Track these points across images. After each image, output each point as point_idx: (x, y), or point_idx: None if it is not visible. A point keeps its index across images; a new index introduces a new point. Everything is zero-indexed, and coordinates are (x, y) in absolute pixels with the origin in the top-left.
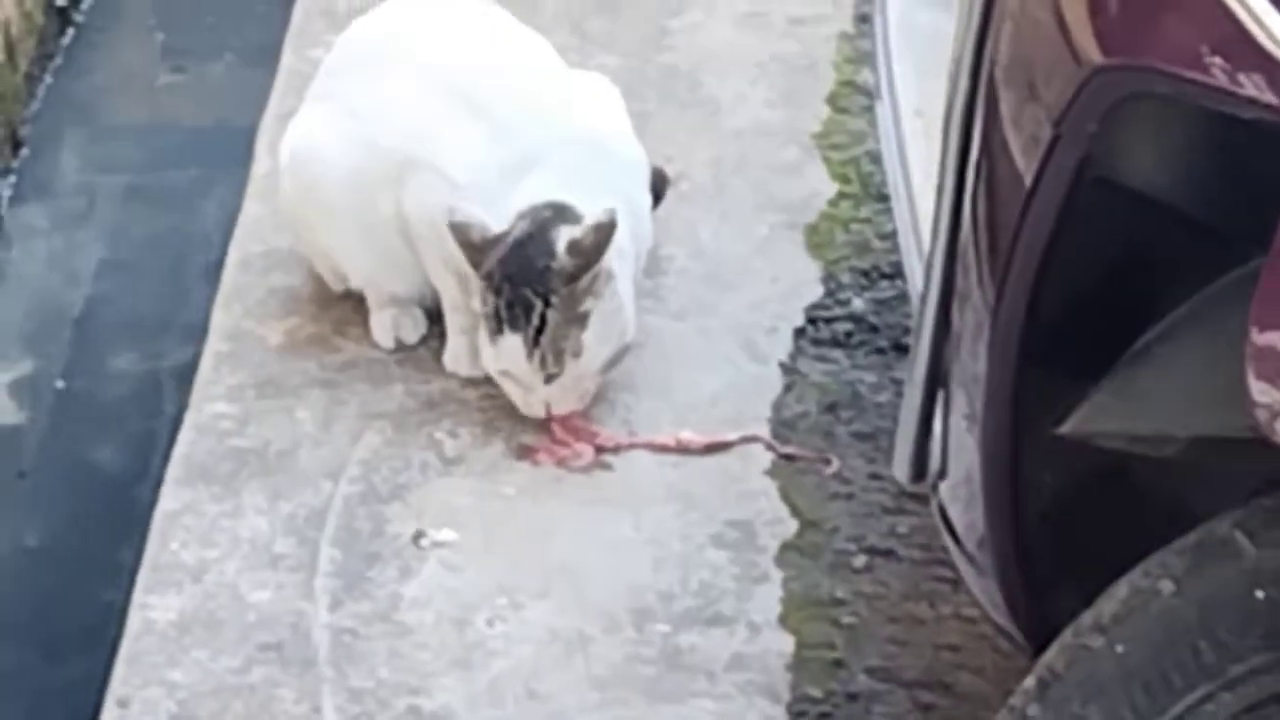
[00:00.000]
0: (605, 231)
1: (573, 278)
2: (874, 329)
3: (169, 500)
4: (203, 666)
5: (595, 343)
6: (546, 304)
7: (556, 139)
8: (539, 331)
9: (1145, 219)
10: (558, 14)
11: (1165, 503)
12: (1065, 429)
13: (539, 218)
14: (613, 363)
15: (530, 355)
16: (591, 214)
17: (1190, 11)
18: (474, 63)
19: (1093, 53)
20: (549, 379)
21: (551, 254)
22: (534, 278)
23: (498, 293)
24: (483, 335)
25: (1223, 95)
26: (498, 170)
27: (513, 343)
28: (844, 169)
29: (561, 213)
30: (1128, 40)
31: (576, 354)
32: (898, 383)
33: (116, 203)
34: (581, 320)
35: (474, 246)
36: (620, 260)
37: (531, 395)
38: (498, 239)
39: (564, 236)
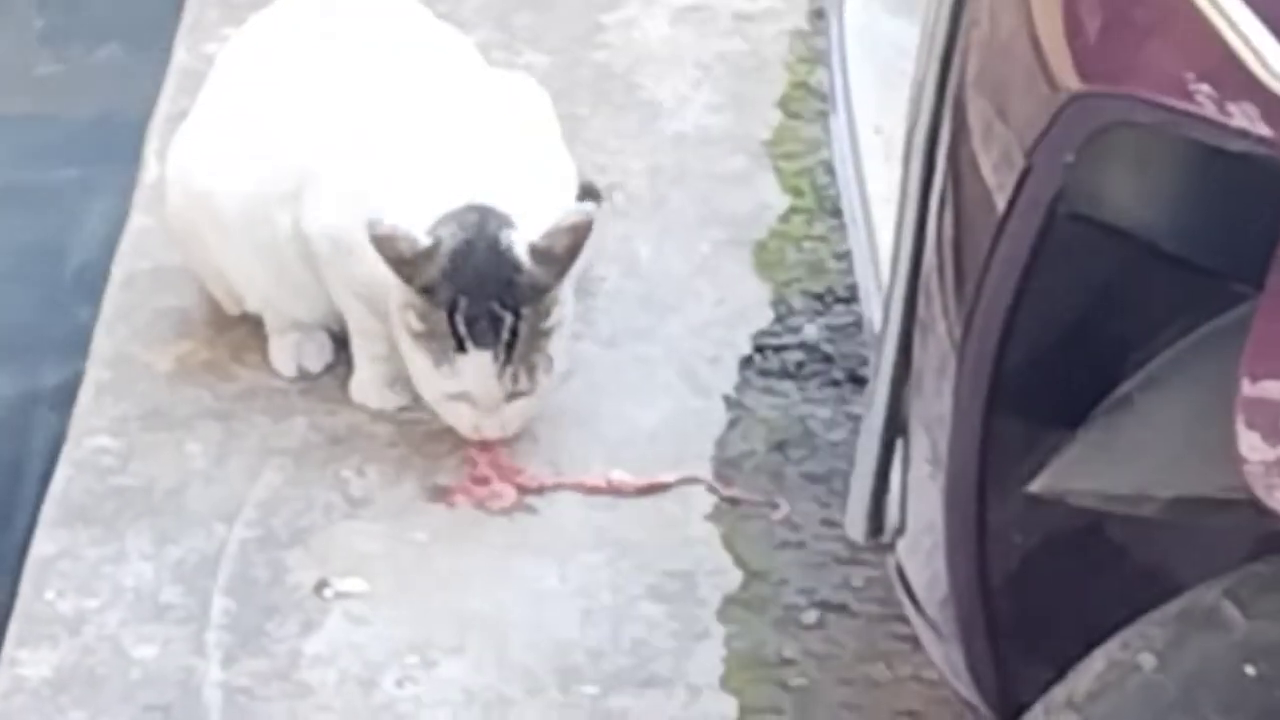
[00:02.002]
0: (580, 234)
1: (546, 287)
2: (828, 359)
3: (44, 544)
4: None
5: (558, 356)
6: (517, 316)
7: (476, 148)
8: (509, 346)
9: (1126, 257)
10: (481, 8)
11: (1145, 567)
12: (1036, 487)
13: (468, 222)
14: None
15: (501, 373)
16: (563, 215)
17: (1177, 36)
18: (383, 65)
19: (1070, 78)
20: (513, 397)
21: (515, 265)
22: (499, 290)
23: (451, 308)
24: (421, 359)
25: (1211, 126)
26: (410, 183)
27: (479, 360)
28: (796, 180)
29: (489, 215)
30: (1108, 65)
31: (548, 370)
32: (853, 418)
33: None
34: (549, 333)
35: (404, 260)
36: None
37: (489, 418)
38: (430, 250)
39: (519, 242)
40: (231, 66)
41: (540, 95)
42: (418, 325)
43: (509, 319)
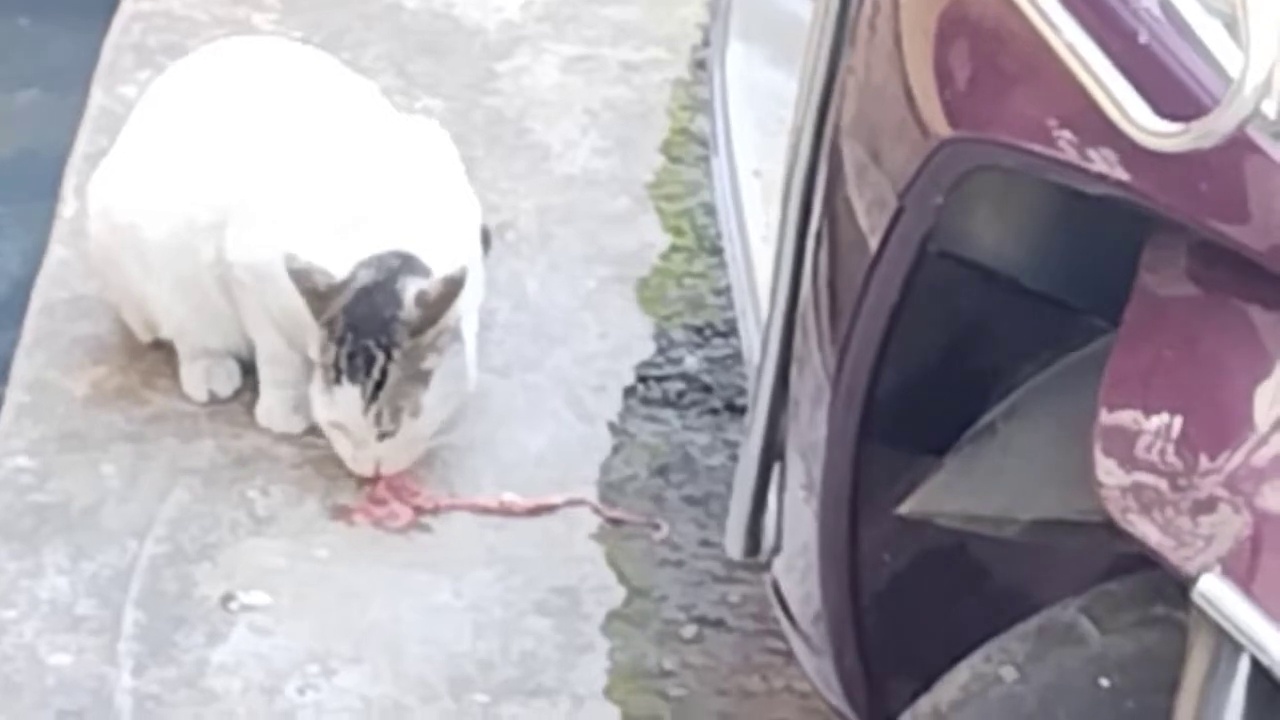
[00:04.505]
0: (453, 285)
1: (417, 330)
2: (707, 389)
3: None
4: None
5: (434, 404)
6: (389, 357)
7: (384, 187)
8: (379, 386)
9: (992, 293)
10: (380, 55)
11: (1007, 586)
12: (905, 509)
13: (386, 266)
14: (448, 425)
15: (366, 409)
16: (440, 267)
17: (1040, 85)
18: (299, 110)
19: (940, 125)
20: (382, 436)
21: (398, 304)
22: (378, 328)
23: (340, 342)
24: (316, 384)
25: (1072, 171)
26: (324, 218)
27: (350, 394)
28: (678, 221)
29: (409, 263)
30: (976, 113)
31: (414, 414)
32: (731, 445)
33: None
34: (423, 378)
35: (317, 294)
36: (462, 318)
37: (362, 451)
38: (341, 286)
39: (412, 288)
40: (153, 108)
41: (443, 138)
42: (316, 353)
43: (381, 358)
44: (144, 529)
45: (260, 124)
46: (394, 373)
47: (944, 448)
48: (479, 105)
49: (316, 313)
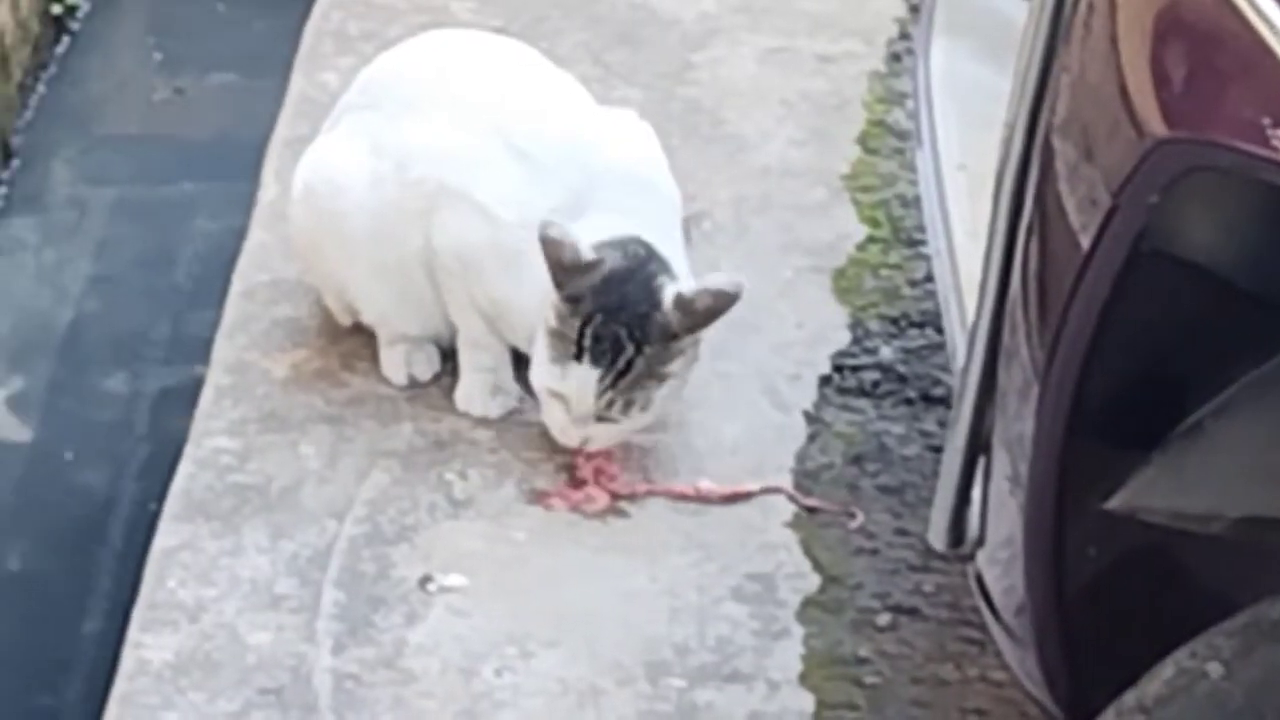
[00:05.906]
0: (725, 301)
1: (675, 336)
2: (902, 379)
3: (166, 536)
4: (199, 710)
5: (663, 401)
6: (639, 351)
7: (594, 178)
8: (621, 374)
9: (1204, 293)
10: (578, 45)
11: (1212, 582)
12: (1112, 504)
13: (632, 254)
14: (660, 421)
15: (601, 394)
16: (714, 278)
17: (1257, 85)
18: (507, 99)
19: (1156, 125)
20: (602, 419)
21: (655, 303)
22: (632, 320)
23: (586, 320)
24: (543, 351)
25: None
26: (536, 208)
27: (587, 374)
28: (873, 212)
29: (653, 255)
30: (1192, 113)
31: (644, 408)
32: (926, 435)
33: (107, 217)
34: (663, 378)
35: (563, 266)
36: None
37: (575, 427)
38: (588, 265)
39: (668, 288)
40: (360, 97)
41: (645, 130)
42: (553, 322)
43: (630, 349)
44: (343, 510)
45: (467, 114)
46: (639, 366)
47: (1151, 444)
48: (675, 95)
49: (559, 284)
